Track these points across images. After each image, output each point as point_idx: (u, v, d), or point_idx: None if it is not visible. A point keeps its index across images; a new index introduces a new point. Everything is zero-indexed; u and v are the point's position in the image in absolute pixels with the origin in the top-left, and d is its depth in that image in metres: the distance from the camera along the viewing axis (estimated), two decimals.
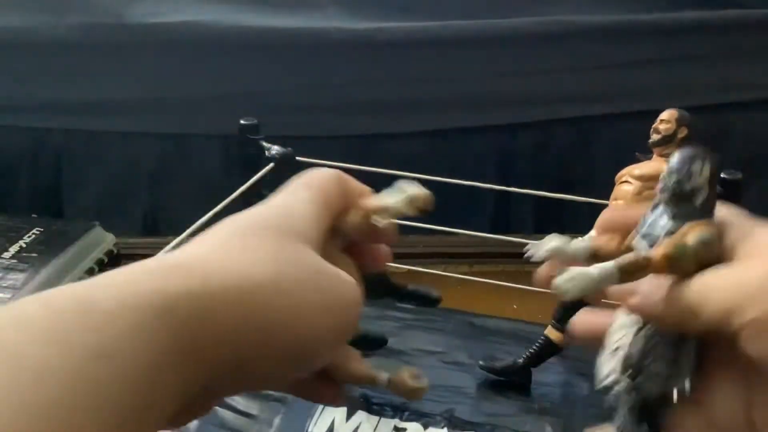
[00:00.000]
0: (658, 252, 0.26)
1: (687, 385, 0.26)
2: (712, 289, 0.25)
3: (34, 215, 0.78)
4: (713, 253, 0.26)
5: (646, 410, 0.28)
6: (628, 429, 0.28)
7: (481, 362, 0.61)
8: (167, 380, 0.20)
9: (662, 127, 0.54)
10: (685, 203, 0.27)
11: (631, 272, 0.26)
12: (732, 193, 0.55)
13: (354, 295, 0.27)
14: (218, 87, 0.93)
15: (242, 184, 0.63)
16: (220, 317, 0.22)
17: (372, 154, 0.94)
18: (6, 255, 0.68)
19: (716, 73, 0.95)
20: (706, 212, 0.27)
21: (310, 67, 0.92)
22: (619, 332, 0.29)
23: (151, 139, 0.96)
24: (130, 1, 0.89)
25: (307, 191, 0.29)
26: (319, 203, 0.29)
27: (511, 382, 0.60)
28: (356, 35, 0.89)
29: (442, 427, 0.56)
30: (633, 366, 0.28)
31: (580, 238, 0.29)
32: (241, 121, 0.66)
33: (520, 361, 0.60)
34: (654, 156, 0.55)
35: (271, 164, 0.64)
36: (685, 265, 0.26)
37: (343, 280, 0.27)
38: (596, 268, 0.26)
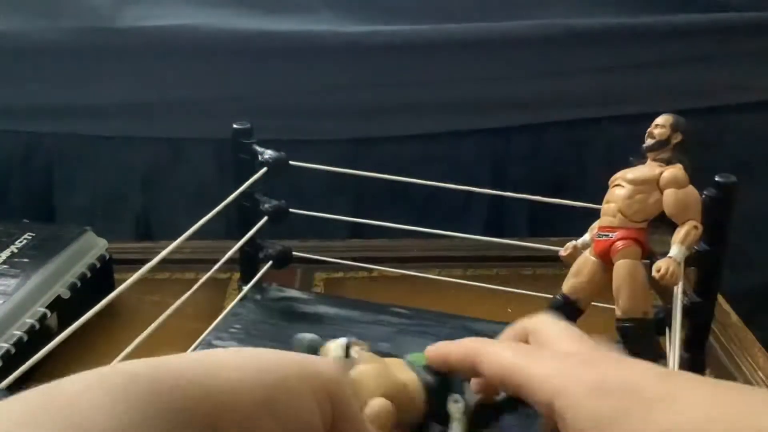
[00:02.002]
0: None
1: None
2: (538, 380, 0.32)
3: (25, 220, 0.77)
4: None
5: None
6: None
7: None
8: None
9: (657, 132, 0.54)
10: None
11: None
12: (726, 197, 0.55)
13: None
14: (211, 91, 0.93)
15: (235, 189, 0.63)
16: None
17: (365, 157, 0.94)
18: None
19: (709, 75, 0.95)
20: None
21: (304, 71, 0.92)
22: None
23: (143, 144, 0.95)
24: (122, 4, 0.89)
25: None
26: None
27: None
28: (349, 39, 0.89)
29: None
30: None
31: None
32: (234, 125, 0.66)
33: None
34: (648, 161, 0.55)
35: (265, 168, 0.64)
36: None
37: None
38: None
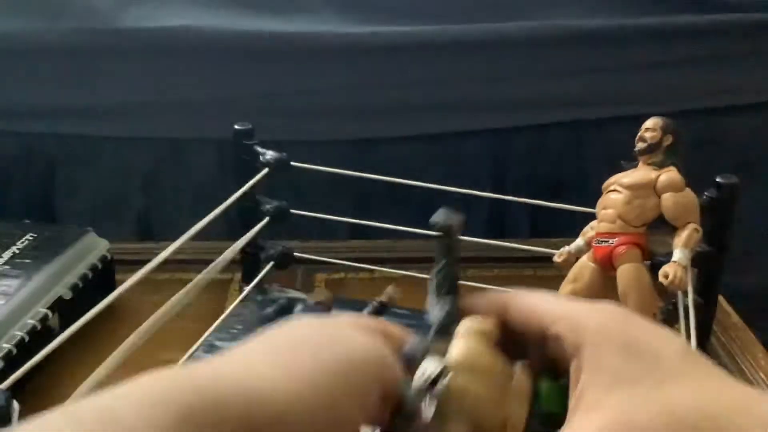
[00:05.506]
0: None
1: None
2: None
3: (26, 221, 0.77)
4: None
5: None
6: None
7: None
8: None
9: (648, 135, 0.54)
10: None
11: None
12: (727, 198, 0.55)
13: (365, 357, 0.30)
14: (212, 91, 0.93)
15: (237, 190, 0.63)
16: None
17: (367, 158, 0.94)
18: None
19: (709, 76, 0.95)
20: None
21: (305, 72, 0.92)
22: None
23: (144, 144, 0.95)
24: (123, 5, 0.89)
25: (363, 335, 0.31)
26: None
27: None
28: (350, 39, 0.89)
29: None
30: None
31: None
32: (236, 126, 0.66)
33: None
34: (640, 164, 0.55)
35: (266, 169, 0.64)
36: None
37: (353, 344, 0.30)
38: None
